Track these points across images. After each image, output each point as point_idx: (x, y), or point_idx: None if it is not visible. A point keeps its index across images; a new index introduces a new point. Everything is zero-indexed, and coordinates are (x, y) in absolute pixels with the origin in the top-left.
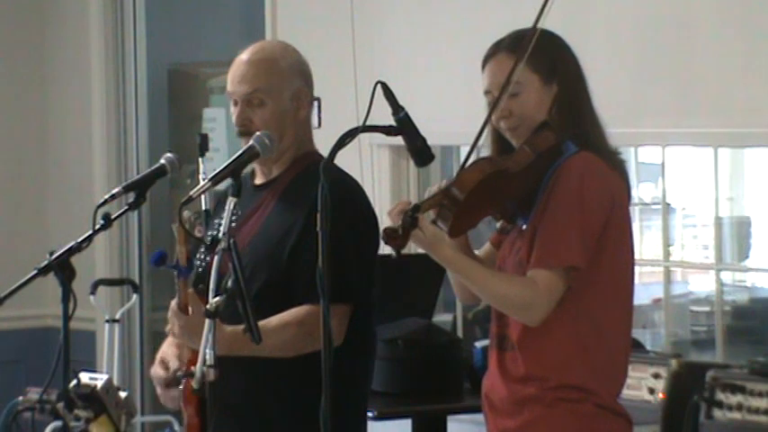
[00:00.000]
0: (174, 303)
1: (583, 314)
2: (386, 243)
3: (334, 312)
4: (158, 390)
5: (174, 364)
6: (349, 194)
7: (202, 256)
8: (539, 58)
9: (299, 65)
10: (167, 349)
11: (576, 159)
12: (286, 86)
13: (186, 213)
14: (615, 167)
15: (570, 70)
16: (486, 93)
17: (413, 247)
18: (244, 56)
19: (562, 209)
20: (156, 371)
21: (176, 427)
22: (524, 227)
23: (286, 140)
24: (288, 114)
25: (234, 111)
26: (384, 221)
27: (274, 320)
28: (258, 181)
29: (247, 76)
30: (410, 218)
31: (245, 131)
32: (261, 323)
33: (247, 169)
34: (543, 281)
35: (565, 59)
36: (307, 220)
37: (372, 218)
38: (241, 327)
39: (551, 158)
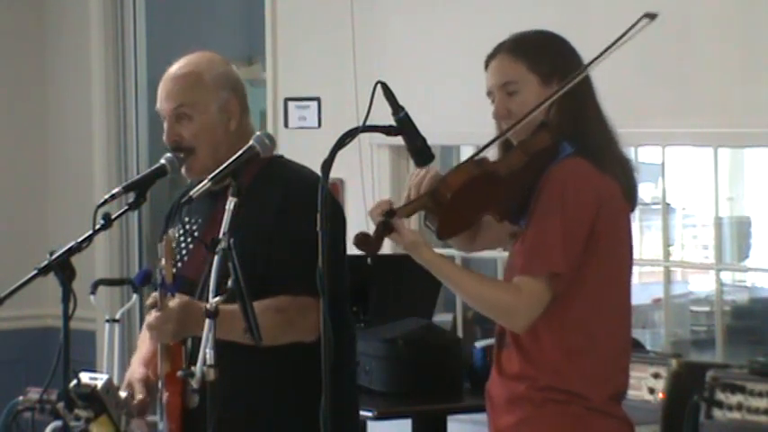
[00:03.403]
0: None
1: (572, 320)
2: (358, 249)
3: (311, 305)
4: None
5: (139, 395)
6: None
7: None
8: (538, 58)
9: (224, 76)
10: (135, 373)
11: (560, 166)
12: (212, 99)
13: (171, 231)
14: (610, 170)
15: (572, 71)
16: (488, 93)
17: None
18: (170, 71)
19: (544, 216)
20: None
21: None
22: (523, 226)
23: (222, 152)
24: (218, 127)
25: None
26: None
27: (254, 305)
28: (213, 187)
29: (172, 92)
30: (383, 224)
31: (177, 147)
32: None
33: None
34: (527, 287)
35: (567, 60)
36: (277, 218)
37: (340, 212)
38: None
39: (547, 159)
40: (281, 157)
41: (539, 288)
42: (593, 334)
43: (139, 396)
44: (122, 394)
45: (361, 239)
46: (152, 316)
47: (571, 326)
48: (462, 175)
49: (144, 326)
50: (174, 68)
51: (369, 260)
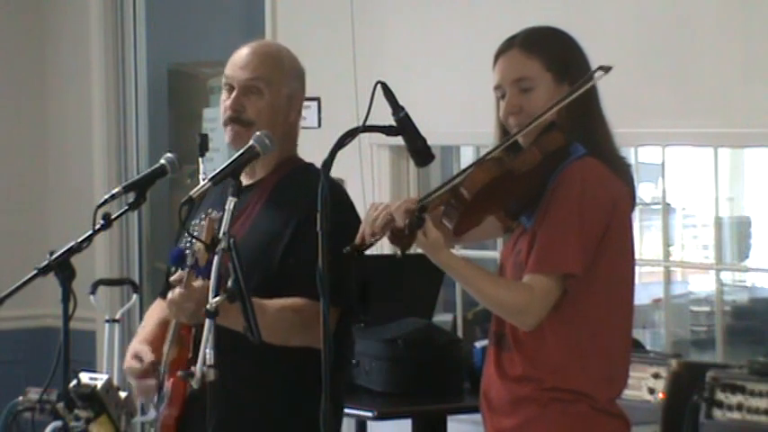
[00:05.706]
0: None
1: (580, 320)
2: (391, 243)
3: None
4: (132, 382)
5: (148, 357)
6: (341, 199)
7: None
8: (552, 56)
9: (299, 69)
10: (138, 345)
11: (577, 165)
12: (285, 84)
13: (214, 214)
14: (619, 172)
15: (582, 71)
16: (497, 88)
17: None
18: (251, 45)
19: (562, 215)
20: (130, 363)
21: None
22: (527, 226)
23: (274, 138)
24: (280, 112)
25: (226, 97)
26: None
27: (273, 301)
28: (243, 182)
29: (251, 64)
30: (417, 218)
31: (235, 118)
32: (259, 301)
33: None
34: (539, 286)
35: (578, 60)
36: (299, 222)
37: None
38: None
39: (559, 159)
40: (314, 165)
41: (550, 286)
42: (600, 333)
43: (149, 358)
44: (122, 394)
45: (396, 234)
46: (175, 292)
47: (579, 325)
48: (484, 173)
49: (166, 302)
50: (256, 44)
51: (398, 254)
